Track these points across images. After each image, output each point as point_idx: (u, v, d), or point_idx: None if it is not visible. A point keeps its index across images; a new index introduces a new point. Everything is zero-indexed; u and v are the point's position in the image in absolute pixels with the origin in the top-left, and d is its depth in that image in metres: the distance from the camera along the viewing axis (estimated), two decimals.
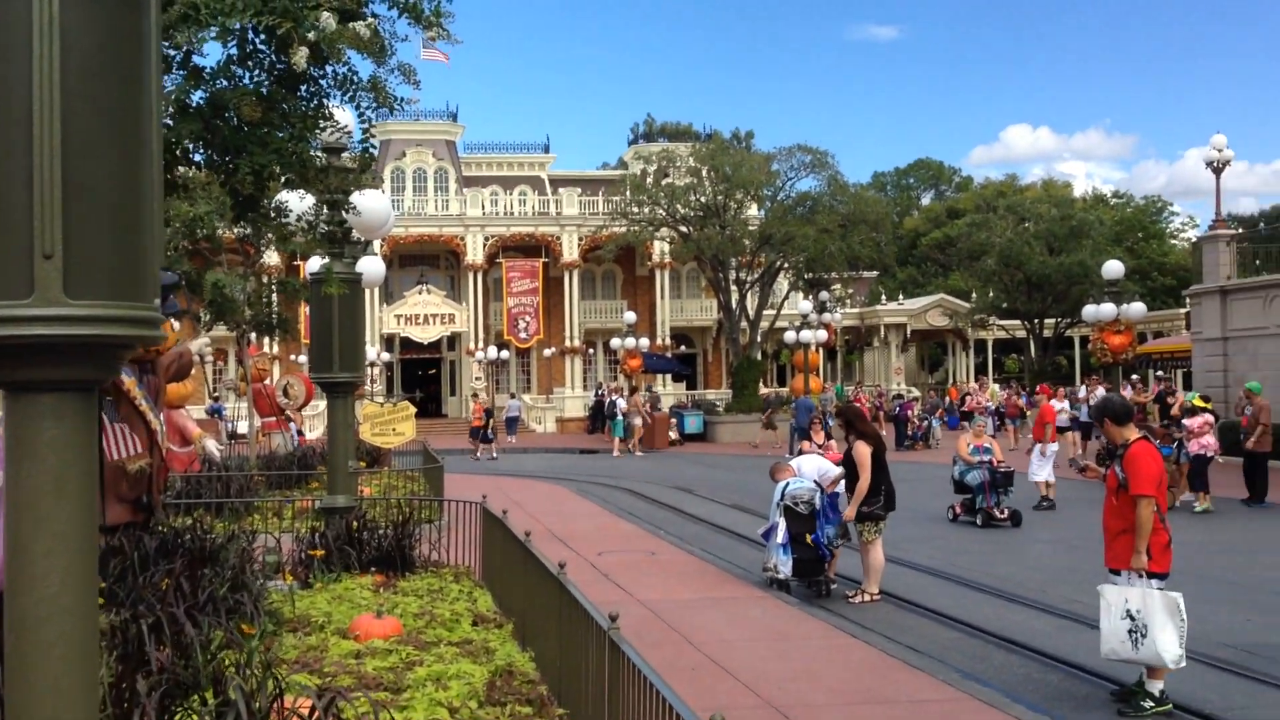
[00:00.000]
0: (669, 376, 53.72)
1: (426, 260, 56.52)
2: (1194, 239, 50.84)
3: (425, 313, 52.95)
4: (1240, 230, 33.16)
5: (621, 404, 37.88)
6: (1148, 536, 7.50)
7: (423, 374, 56.90)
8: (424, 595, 9.15)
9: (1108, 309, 25.46)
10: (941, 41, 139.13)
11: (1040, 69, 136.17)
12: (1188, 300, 33.56)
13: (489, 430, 35.89)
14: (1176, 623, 7.37)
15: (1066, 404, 25.91)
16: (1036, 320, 51.91)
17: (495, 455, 35.20)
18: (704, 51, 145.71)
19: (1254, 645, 9.31)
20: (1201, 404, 20.21)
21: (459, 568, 10.62)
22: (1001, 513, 16.76)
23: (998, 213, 55.64)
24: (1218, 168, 29.43)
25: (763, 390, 49.55)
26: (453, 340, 55.67)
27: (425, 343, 53.78)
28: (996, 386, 42.52)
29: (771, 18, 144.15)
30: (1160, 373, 42.21)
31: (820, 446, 16.08)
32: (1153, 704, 7.51)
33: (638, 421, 37.38)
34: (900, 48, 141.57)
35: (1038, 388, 32.00)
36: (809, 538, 11.68)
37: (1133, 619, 7.42)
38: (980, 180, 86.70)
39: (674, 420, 41.11)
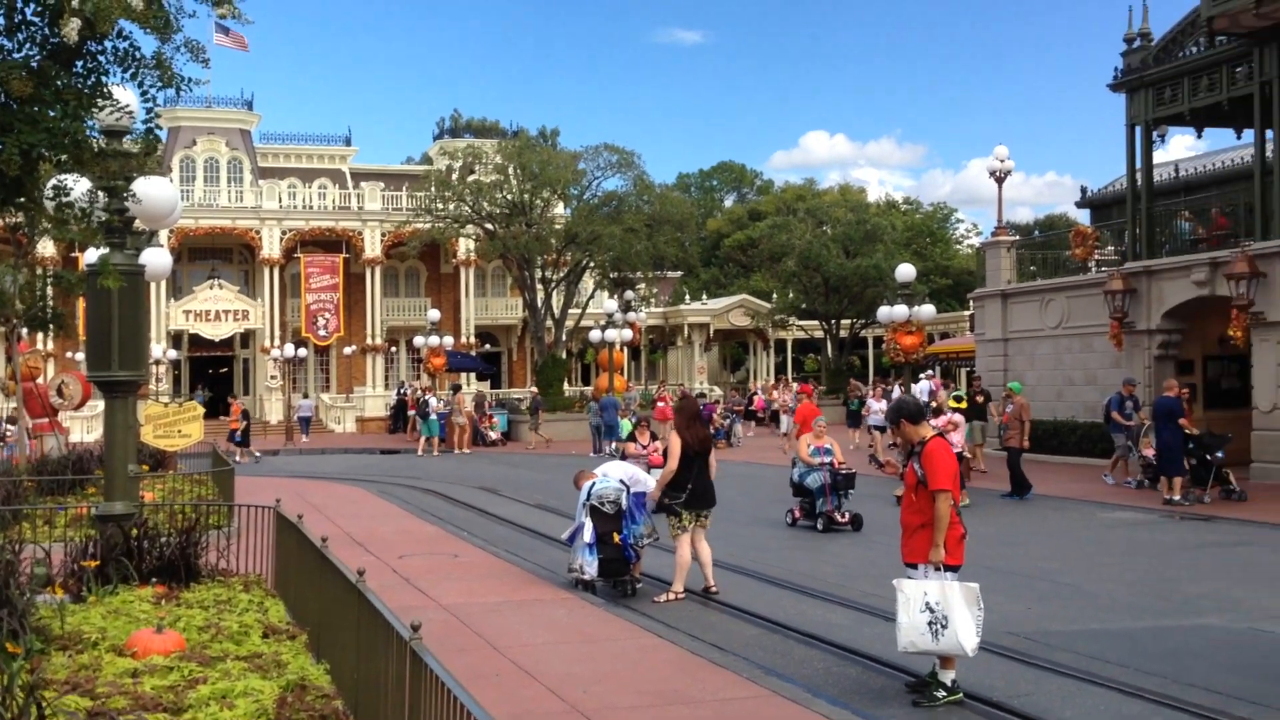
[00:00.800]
0: (473, 375, 53.13)
1: (219, 254, 54.28)
2: (977, 245, 53.54)
3: (217, 309, 50.84)
4: (1019, 238, 34.99)
5: (434, 403, 37.27)
6: (945, 530, 7.72)
7: (214, 373, 54.59)
8: (210, 607, 8.66)
9: (900, 310, 26.45)
10: (744, 47, 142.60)
11: (837, 78, 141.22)
12: (971, 303, 35.22)
13: (244, 433, 34.13)
14: (974, 612, 7.61)
15: (884, 403, 26.68)
16: (834, 321, 53.64)
17: (258, 457, 33.96)
18: (511, 49, 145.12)
19: (1034, 633, 9.74)
20: (955, 404, 21.21)
21: (250, 576, 10.11)
22: (843, 516, 16.07)
23: (798, 216, 57.30)
24: (1000, 177, 31.00)
25: (567, 389, 49.55)
26: (246, 338, 53.63)
27: (217, 340, 51.64)
28: (796, 385, 43.63)
29: (579, 18, 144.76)
30: (974, 372, 44.14)
31: (644, 448, 16.06)
32: (945, 693, 7.73)
33: (462, 420, 36.94)
34: (704, 52, 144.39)
35: (798, 388, 32.35)
36: (616, 537, 11.62)
37: (932, 611, 7.61)
38: (781, 184, 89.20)
39: (495, 419, 40.51)
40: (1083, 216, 46.61)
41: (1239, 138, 25.55)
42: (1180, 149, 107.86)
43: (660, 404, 35.15)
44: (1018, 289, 29.42)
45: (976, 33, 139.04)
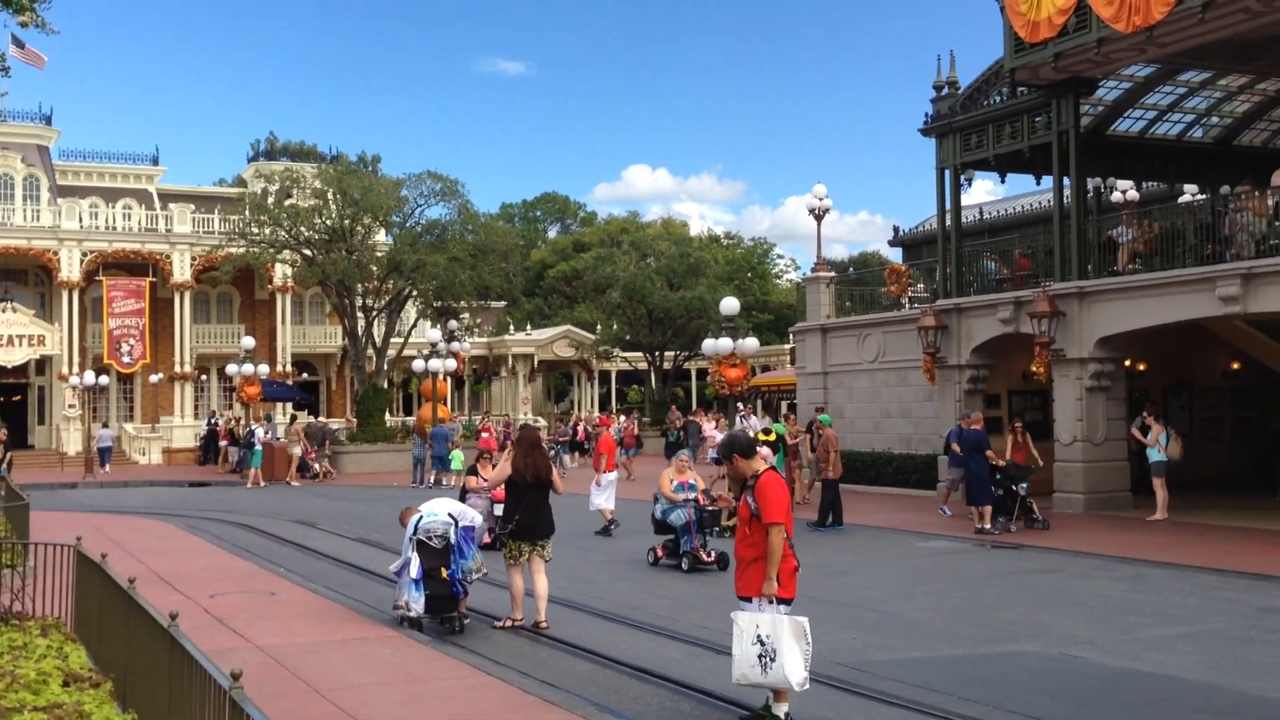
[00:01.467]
0: (289, 405, 51.44)
1: (12, 275, 51.20)
2: (797, 280, 54.97)
3: (10, 333, 47.89)
4: (835, 274, 36.06)
5: (260, 433, 35.95)
6: (778, 563, 7.75)
7: (6, 401, 51.30)
8: (4, 653, 8.00)
9: (724, 343, 26.80)
10: (567, 80, 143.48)
11: (659, 113, 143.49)
12: (792, 336, 36.04)
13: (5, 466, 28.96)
14: (803, 646, 7.65)
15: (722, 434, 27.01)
16: (658, 352, 54.14)
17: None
18: (330, 73, 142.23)
19: (860, 663, 9.90)
20: (763, 436, 21.63)
21: (47, 620, 9.42)
22: (708, 555, 15.29)
23: (622, 248, 57.74)
24: (819, 214, 31.89)
25: (389, 420, 48.50)
26: (43, 364, 50.65)
27: (9, 366, 48.57)
28: (623, 417, 43.80)
29: (400, 45, 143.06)
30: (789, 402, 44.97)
31: (485, 481, 15.70)
32: None
33: (297, 450, 35.73)
34: (527, 83, 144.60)
35: (598, 419, 32.35)
36: (444, 572, 11.32)
37: (763, 644, 7.62)
38: (604, 216, 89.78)
39: (330, 452, 38.99)
40: (895, 255, 48.56)
41: (1038, 183, 26.96)
42: (981, 192, 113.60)
43: (485, 434, 34.72)
44: (836, 324, 30.27)
45: (795, 75, 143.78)
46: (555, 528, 11.68)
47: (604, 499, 19.96)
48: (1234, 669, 9.64)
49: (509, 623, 11.48)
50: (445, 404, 44.23)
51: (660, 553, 15.92)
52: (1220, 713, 8.24)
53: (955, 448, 20.75)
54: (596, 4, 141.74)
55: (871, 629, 11.49)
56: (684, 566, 15.38)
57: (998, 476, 19.59)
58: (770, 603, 7.76)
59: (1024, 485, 19.63)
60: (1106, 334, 22.10)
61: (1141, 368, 25.37)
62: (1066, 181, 23.30)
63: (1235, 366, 26.87)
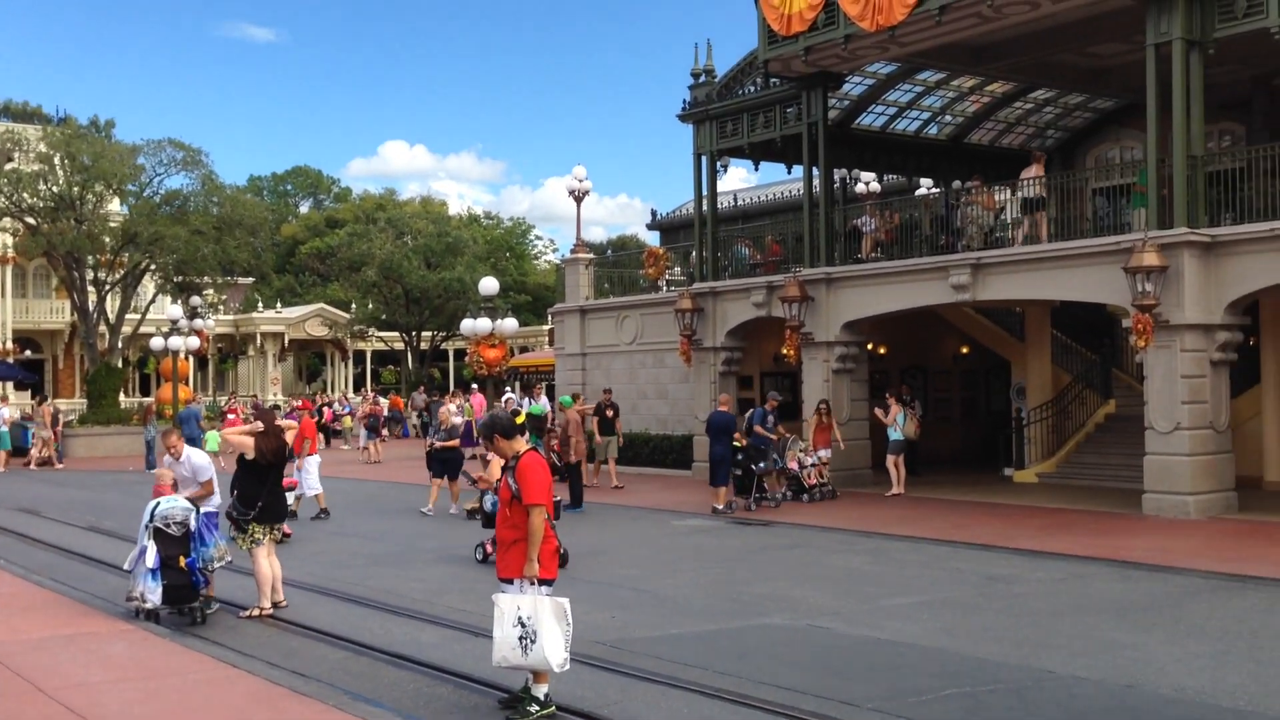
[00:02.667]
0: (10, 384, 47.70)
1: None
2: (556, 261, 55.13)
3: None
4: (594, 256, 36.33)
5: (5, 413, 33.28)
6: (539, 544, 7.69)
7: None
8: None
9: (483, 323, 26.60)
10: (320, 50, 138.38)
11: (417, 89, 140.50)
12: (551, 317, 36.14)
13: None
14: (563, 627, 7.62)
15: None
16: (415, 332, 53.16)
17: None
18: (58, 30, 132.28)
19: (619, 641, 9.98)
20: (519, 418, 21.65)
21: None
22: None
23: (378, 225, 56.37)
24: (578, 196, 32.02)
25: (124, 401, 45.74)
26: None
27: None
28: (381, 399, 42.81)
29: (134, 4, 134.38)
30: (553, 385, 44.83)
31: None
32: (538, 707, 7.70)
33: (47, 434, 33.79)
34: (277, 51, 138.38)
35: (300, 403, 31.12)
36: (182, 561, 10.72)
37: (524, 626, 7.55)
38: (359, 192, 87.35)
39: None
40: (652, 238, 49.32)
41: (789, 172, 27.92)
42: (736, 179, 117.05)
43: (230, 416, 33.16)
44: (595, 305, 30.50)
45: (558, 57, 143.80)
46: None
47: (313, 482, 19.23)
48: (964, 634, 10.26)
49: (257, 612, 11.02)
50: (187, 384, 41.95)
51: (490, 549, 13.77)
52: (951, 676, 8.74)
53: (760, 429, 20.35)
54: None
55: (630, 607, 11.61)
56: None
57: (739, 457, 20.02)
58: (531, 584, 7.70)
59: (761, 465, 20.22)
60: (851, 318, 23.14)
61: (882, 351, 26.72)
62: (816, 171, 24.20)
63: (965, 350, 28.70)
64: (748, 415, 21.15)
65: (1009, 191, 21.59)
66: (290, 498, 15.94)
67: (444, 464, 19.87)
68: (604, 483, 23.87)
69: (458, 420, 21.43)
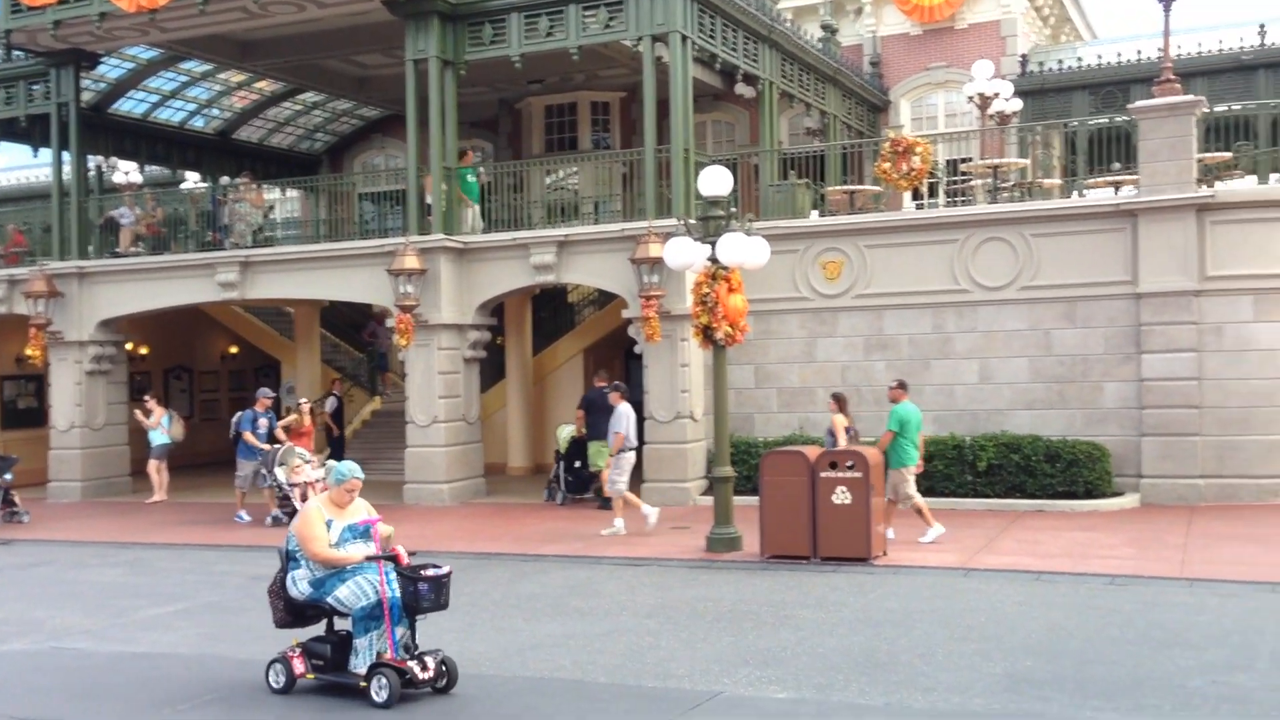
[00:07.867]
0: None
1: None
2: None
3: None
4: None
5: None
6: None
7: None
8: None
9: None
10: None
11: None
12: None
13: None
14: None
15: None
16: None
17: None
18: None
19: None
20: None
21: None
22: (425, 666, 7.87)
23: None
24: None
25: None
26: None
27: None
28: None
29: None
30: None
31: None
32: None
33: None
34: None
35: None
36: None
37: None
38: None
39: None
40: None
41: (36, 155, 25.32)
42: None
43: None
44: None
45: None
46: None
47: None
48: (227, 637, 10.01)
49: None
50: None
51: (299, 666, 8.09)
52: (211, 682, 8.46)
53: (249, 437, 17.58)
54: None
55: None
56: (376, 693, 7.65)
57: None
58: None
59: (7, 476, 18.23)
60: (108, 316, 21.60)
61: (144, 351, 25.30)
62: (67, 156, 22.29)
63: (233, 350, 28.14)
64: (235, 419, 18.11)
65: (279, 190, 21.58)
66: None
67: None
68: None
69: None
